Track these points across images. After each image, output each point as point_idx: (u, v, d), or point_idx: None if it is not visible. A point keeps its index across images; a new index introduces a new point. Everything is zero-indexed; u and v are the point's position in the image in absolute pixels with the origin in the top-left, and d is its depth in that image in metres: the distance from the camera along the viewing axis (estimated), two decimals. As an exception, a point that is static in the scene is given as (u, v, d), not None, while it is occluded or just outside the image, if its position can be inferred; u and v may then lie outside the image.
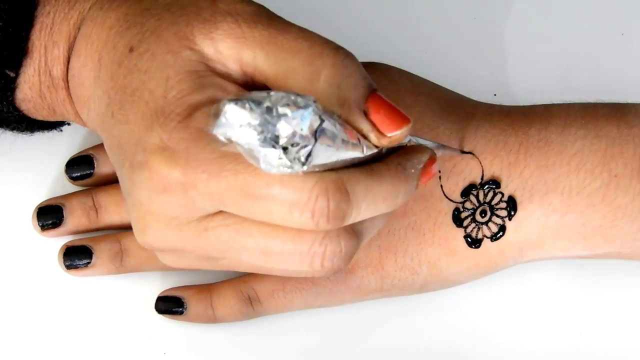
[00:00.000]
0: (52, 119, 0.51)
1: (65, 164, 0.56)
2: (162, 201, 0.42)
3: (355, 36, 0.61)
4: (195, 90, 0.42)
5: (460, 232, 0.51)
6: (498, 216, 0.51)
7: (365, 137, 0.42)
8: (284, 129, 0.36)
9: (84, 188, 0.56)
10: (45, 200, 0.55)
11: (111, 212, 0.54)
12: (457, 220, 0.51)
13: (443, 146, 0.49)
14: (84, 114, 0.48)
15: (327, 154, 0.39)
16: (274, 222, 0.41)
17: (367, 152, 0.42)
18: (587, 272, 0.56)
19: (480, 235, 0.51)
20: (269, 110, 0.36)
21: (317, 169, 0.40)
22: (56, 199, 0.55)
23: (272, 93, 0.37)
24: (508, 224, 0.51)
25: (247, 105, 0.36)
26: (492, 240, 0.51)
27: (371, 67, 0.54)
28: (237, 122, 0.36)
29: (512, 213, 0.51)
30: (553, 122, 0.52)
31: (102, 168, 0.55)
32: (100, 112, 0.46)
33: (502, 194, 0.51)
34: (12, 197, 0.56)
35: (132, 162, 0.43)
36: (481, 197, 0.51)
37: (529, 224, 0.51)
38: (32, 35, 0.47)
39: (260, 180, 0.40)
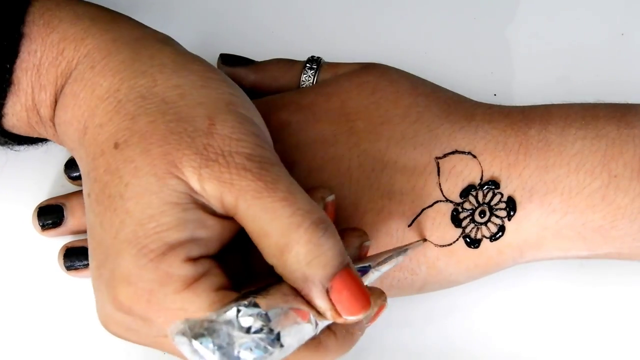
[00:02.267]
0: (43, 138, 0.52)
1: (64, 164, 0.56)
2: (120, 317, 0.44)
3: (355, 36, 0.61)
4: (175, 227, 0.42)
5: (459, 233, 0.51)
6: (497, 216, 0.51)
7: (322, 315, 0.43)
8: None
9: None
10: (46, 200, 0.55)
11: (111, 212, 0.54)
12: (456, 220, 0.51)
13: (405, 250, 0.49)
14: (72, 153, 0.49)
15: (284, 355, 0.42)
16: None
17: (319, 329, 0.43)
18: (586, 272, 0.56)
19: (479, 236, 0.51)
20: (230, 344, 0.40)
21: None
22: (56, 199, 0.55)
23: (229, 328, 0.41)
24: (507, 224, 0.51)
25: (204, 345, 0.40)
26: (491, 241, 0.51)
27: (371, 69, 0.54)
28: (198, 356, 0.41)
29: (512, 213, 0.51)
30: (553, 122, 0.51)
31: None
32: (83, 173, 0.46)
33: (502, 195, 0.51)
34: (12, 197, 0.56)
35: (100, 270, 0.44)
36: (480, 198, 0.51)
37: (529, 225, 0.51)
38: (17, 70, 0.47)
39: None
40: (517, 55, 0.60)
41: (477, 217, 0.51)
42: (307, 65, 0.56)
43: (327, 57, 0.57)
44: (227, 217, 0.44)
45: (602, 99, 0.53)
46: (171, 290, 0.42)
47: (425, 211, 0.51)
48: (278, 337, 0.41)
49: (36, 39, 0.47)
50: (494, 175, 0.51)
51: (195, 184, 0.43)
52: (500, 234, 0.51)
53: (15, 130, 0.50)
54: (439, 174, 0.51)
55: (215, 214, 0.43)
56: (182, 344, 0.41)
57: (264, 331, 0.40)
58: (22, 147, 0.52)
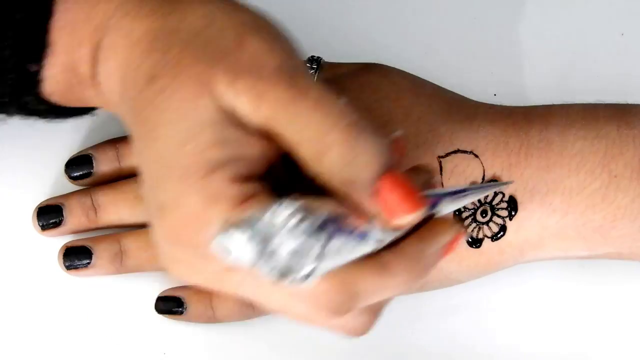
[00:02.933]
0: (85, 106, 0.50)
1: (65, 163, 0.56)
2: (179, 251, 0.43)
3: (356, 37, 0.61)
4: (215, 145, 0.41)
5: (461, 232, 0.51)
6: (499, 216, 0.51)
7: (374, 221, 0.41)
8: (283, 260, 0.38)
9: (83, 187, 0.56)
10: (45, 200, 0.55)
11: (110, 211, 0.54)
12: (458, 220, 0.51)
13: (481, 187, 0.48)
14: (116, 110, 0.48)
15: (332, 264, 0.39)
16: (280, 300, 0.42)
17: (379, 243, 0.41)
18: (587, 272, 0.56)
19: (480, 235, 0.51)
20: (267, 239, 0.38)
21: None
22: (56, 199, 0.55)
23: (280, 205, 0.38)
24: (509, 224, 0.51)
25: (245, 233, 0.38)
26: (492, 240, 0.51)
27: (372, 69, 0.54)
28: (234, 249, 0.38)
29: (513, 213, 0.51)
30: (553, 122, 0.52)
31: (101, 167, 0.55)
32: (127, 124, 0.45)
33: (503, 194, 0.51)
34: (12, 197, 0.56)
35: (150, 204, 0.43)
36: (482, 198, 0.51)
37: (530, 224, 0.51)
38: (53, 30, 0.46)
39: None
40: (517, 55, 0.60)
41: (478, 217, 0.51)
42: (307, 64, 0.56)
43: (327, 57, 0.57)
44: (267, 137, 0.43)
45: (602, 99, 0.53)
46: (221, 209, 0.40)
47: None
48: (321, 239, 0.38)
49: None
50: (495, 174, 0.51)
51: (229, 99, 0.42)
52: (501, 233, 0.51)
53: (55, 98, 0.48)
54: (441, 173, 0.51)
55: (255, 133, 0.42)
56: (218, 244, 0.38)
57: (306, 226, 0.38)
58: (60, 120, 0.51)
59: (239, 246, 0.38)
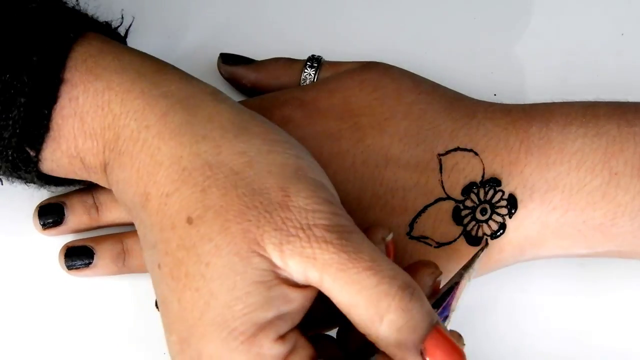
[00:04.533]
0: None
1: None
2: None
3: (356, 36, 0.61)
4: (262, 306, 0.42)
5: (460, 230, 0.51)
6: (498, 214, 0.51)
7: None
8: None
9: (84, 187, 0.56)
10: (46, 199, 0.55)
11: (112, 209, 0.54)
12: (458, 218, 0.51)
13: (469, 268, 0.49)
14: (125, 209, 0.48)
15: None
16: None
17: None
18: (587, 270, 0.56)
19: (480, 233, 0.51)
20: None
21: None
22: (57, 198, 0.55)
23: None
24: (508, 222, 0.51)
25: None
26: (492, 238, 0.51)
27: (372, 67, 0.54)
28: None
29: (513, 211, 0.51)
30: (554, 120, 0.52)
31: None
32: (146, 239, 0.45)
33: (503, 192, 0.51)
34: (12, 197, 0.56)
35: (182, 343, 0.43)
36: (482, 195, 0.51)
37: (530, 222, 0.51)
38: (57, 116, 0.46)
39: None
40: (517, 55, 0.60)
41: (478, 215, 0.51)
42: (308, 64, 0.56)
43: (327, 57, 0.57)
44: (306, 286, 0.43)
45: (602, 99, 0.53)
46: None
47: (427, 208, 0.51)
48: None
49: (78, 85, 0.46)
50: (495, 172, 0.51)
51: (278, 261, 0.42)
52: (501, 231, 0.51)
53: (54, 174, 0.49)
54: (441, 171, 0.51)
55: (297, 285, 0.43)
56: None
57: None
58: (59, 188, 0.52)
59: None
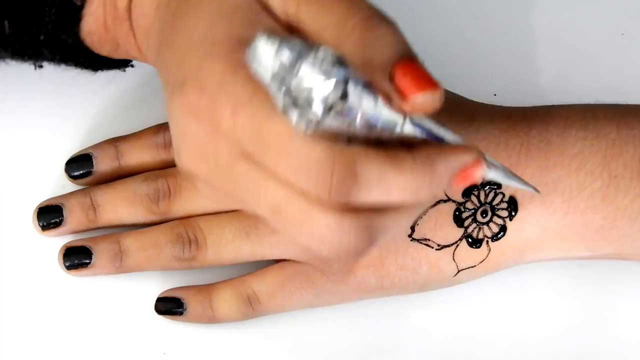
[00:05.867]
0: (115, 56, 0.50)
1: (65, 162, 0.56)
2: (192, 126, 0.41)
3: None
4: (247, 25, 0.41)
5: (461, 232, 0.51)
6: (499, 216, 0.51)
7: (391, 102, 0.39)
8: (298, 85, 0.36)
9: (83, 187, 0.56)
10: (45, 200, 0.55)
11: (109, 211, 0.54)
12: (458, 220, 0.51)
13: (512, 175, 0.44)
14: (144, 46, 0.48)
15: (343, 123, 0.37)
16: (282, 177, 0.39)
17: (405, 127, 0.39)
18: (587, 272, 0.56)
19: (481, 236, 0.51)
20: (295, 58, 0.36)
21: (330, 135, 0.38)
22: (56, 199, 0.55)
23: (313, 46, 0.36)
24: (509, 224, 0.51)
25: (275, 46, 0.36)
26: (492, 241, 0.51)
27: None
28: (261, 59, 0.36)
29: (513, 214, 0.51)
30: (553, 123, 0.52)
31: (101, 166, 0.55)
32: (156, 41, 0.45)
33: (503, 195, 0.51)
34: (12, 197, 0.56)
35: (173, 85, 0.42)
36: (482, 198, 0.51)
37: (530, 225, 0.51)
38: None
39: (272, 126, 0.38)
40: (517, 55, 0.60)
41: (479, 217, 0.51)
42: (308, 64, 0.56)
43: (327, 57, 0.57)
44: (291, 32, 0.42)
45: (602, 99, 0.53)
46: (241, 78, 0.39)
47: (428, 210, 0.51)
48: (346, 80, 0.36)
49: None
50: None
51: None
52: (501, 234, 0.51)
53: (90, 39, 0.49)
54: None
55: (283, 26, 0.42)
56: (248, 50, 0.37)
57: (336, 63, 0.36)
58: (90, 70, 0.51)
59: (265, 54, 0.36)
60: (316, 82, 0.36)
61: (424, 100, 0.38)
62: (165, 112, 0.44)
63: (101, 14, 0.48)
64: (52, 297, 0.55)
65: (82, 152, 0.55)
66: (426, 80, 0.38)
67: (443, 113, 0.52)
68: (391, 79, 0.38)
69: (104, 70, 0.52)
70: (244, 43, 0.39)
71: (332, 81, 0.36)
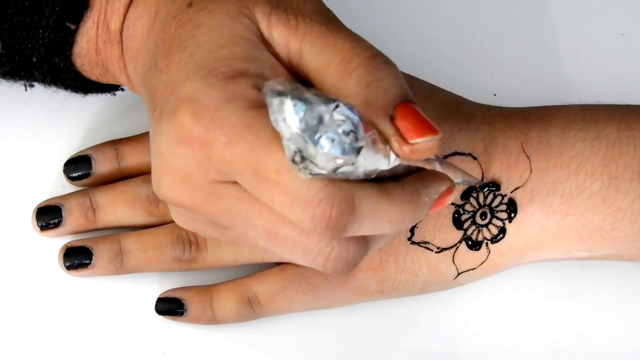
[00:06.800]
0: (103, 80, 0.50)
1: (64, 163, 0.56)
2: (181, 153, 0.42)
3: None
4: (246, 58, 0.42)
5: (461, 235, 0.51)
6: (498, 218, 0.51)
7: (388, 143, 0.41)
8: (315, 152, 0.38)
9: (83, 188, 0.56)
10: (45, 201, 0.55)
11: (108, 212, 0.54)
12: (458, 222, 0.51)
13: (467, 175, 0.48)
14: (130, 68, 0.48)
15: (344, 176, 0.39)
16: (275, 210, 0.40)
17: (392, 163, 0.41)
18: (586, 273, 0.56)
19: (480, 238, 0.51)
20: (317, 127, 0.38)
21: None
22: (55, 199, 0.55)
23: (321, 99, 0.38)
24: (508, 226, 0.51)
25: (301, 113, 0.38)
26: (492, 242, 0.51)
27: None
28: (285, 115, 0.38)
29: (512, 215, 0.51)
30: (553, 124, 0.52)
31: (100, 168, 0.55)
32: (145, 64, 0.45)
33: (502, 196, 0.51)
34: (12, 197, 0.56)
35: (162, 109, 0.42)
36: (481, 200, 0.51)
37: (529, 226, 0.51)
38: None
39: (271, 162, 0.39)
40: (517, 55, 0.60)
41: (478, 219, 0.51)
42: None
43: (327, 57, 0.57)
44: (292, 70, 0.44)
45: (602, 99, 0.53)
46: (238, 107, 0.40)
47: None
48: (358, 150, 0.38)
49: None
50: (494, 176, 0.51)
51: (264, 29, 0.43)
52: (501, 235, 0.51)
53: (80, 61, 0.49)
54: None
55: (284, 64, 0.43)
56: (273, 99, 0.38)
57: (351, 135, 0.38)
58: (80, 94, 0.52)
59: (291, 118, 0.38)
60: (334, 156, 0.38)
61: (424, 143, 0.40)
62: (150, 142, 0.44)
63: (93, 36, 0.48)
64: (52, 297, 0.55)
65: (80, 153, 0.55)
66: (426, 125, 0.41)
67: (440, 114, 0.52)
68: (392, 120, 0.40)
69: (94, 94, 0.52)
70: (242, 75, 0.41)
71: (348, 157, 0.38)
